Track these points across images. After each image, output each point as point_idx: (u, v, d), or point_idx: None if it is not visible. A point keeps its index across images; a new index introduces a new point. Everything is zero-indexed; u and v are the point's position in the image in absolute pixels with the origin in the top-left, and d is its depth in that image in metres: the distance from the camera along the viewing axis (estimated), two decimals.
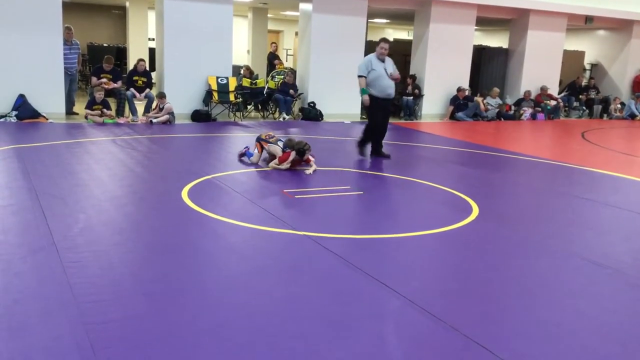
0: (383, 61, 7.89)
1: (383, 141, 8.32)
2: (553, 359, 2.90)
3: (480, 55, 15.17)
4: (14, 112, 9.87)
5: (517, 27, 15.22)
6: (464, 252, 4.49)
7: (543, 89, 15.13)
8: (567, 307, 3.54)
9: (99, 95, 10.32)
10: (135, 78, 11.18)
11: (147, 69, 11.60)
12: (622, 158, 9.71)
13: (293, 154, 6.92)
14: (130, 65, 16.11)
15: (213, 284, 3.64)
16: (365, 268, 3.93)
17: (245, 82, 12.58)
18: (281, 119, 12.12)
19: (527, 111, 14.57)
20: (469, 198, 6.11)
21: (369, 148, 8.26)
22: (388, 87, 7.92)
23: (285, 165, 6.95)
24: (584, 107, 16.34)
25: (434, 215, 5.66)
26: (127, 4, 16.76)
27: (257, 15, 16.95)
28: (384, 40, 7.97)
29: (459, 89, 13.69)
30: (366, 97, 7.89)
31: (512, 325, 3.27)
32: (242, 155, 7.55)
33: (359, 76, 7.90)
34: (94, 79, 11.00)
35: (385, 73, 7.82)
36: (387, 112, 8.26)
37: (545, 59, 15.23)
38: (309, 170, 6.92)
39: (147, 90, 11.23)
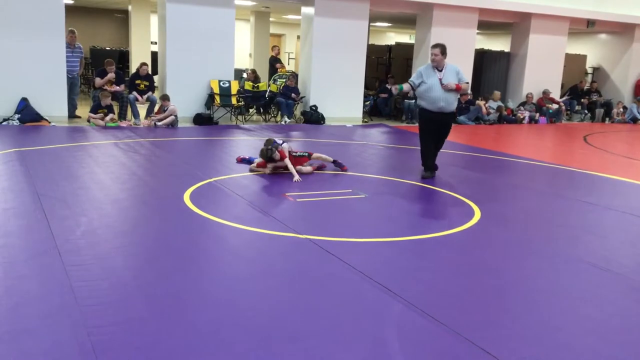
0: (440, 70, 7.06)
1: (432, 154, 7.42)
2: None
3: (482, 58, 15.18)
4: (17, 116, 9.89)
5: (519, 30, 15.23)
6: (466, 256, 4.48)
7: (545, 93, 15.13)
8: (570, 311, 3.53)
9: (106, 101, 10.34)
10: (137, 82, 11.19)
11: (150, 72, 11.61)
12: (624, 161, 9.70)
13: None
14: (133, 68, 16.16)
15: (215, 287, 3.64)
16: (368, 271, 3.92)
17: (248, 86, 12.60)
18: (283, 123, 12.13)
19: (525, 113, 14.58)
20: (471, 201, 6.11)
21: (432, 166, 7.40)
22: (439, 100, 7.01)
23: (264, 170, 6.95)
24: (586, 111, 16.34)
25: (437, 218, 5.66)
26: (130, 7, 16.80)
27: (259, 19, 16.98)
28: (433, 45, 7.17)
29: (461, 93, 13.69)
30: (401, 87, 7.24)
31: (515, 328, 3.26)
32: (242, 160, 7.54)
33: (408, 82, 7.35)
34: (97, 80, 11.02)
35: (438, 84, 6.98)
36: (441, 126, 7.29)
37: (547, 63, 15.23)
38: (295, 178, 6.69)
39: (150, 93, 11.24)
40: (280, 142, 7.08)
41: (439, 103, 7.03)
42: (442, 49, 7.06)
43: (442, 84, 6.97)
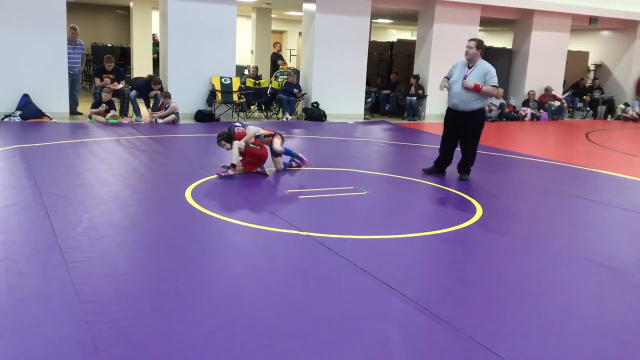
0: (471, 67, 6.80)
1: (464, 165, 7.11)
2: None
3: (484, 55, 15.07)
4: (18, 112, 9.89)
5: (521, 27, 15.19)
6: (468, 253, 4.48)
7: (547, 90, 15.10)
8: (572, 308, 3.53)
9: (106, 97, 10.34)
10: (151, 93, 11.13)
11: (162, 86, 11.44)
12: (626, 159, 9.68)
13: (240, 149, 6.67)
14: (135, 66, 16.14)
15: (216, 283, 3.63)
16: (369, 269, 3.92)
17: (249, 82, 12.59)
18: (284, 119, 12.12)
19: (527, 110, 14.56)
20: (472, 199, 6.10)
21: (445, 165, 7.23)
22: (453, 96, 6.81)
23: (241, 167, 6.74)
24: (588, 108, 16.30)
25: (438, 215, 5.65)
26: (131, 4, 16.77)
27: (260, 15, 16.95)
28: (470, 39, 6.85)
29: None
30: (443, 83, 6.97)
31: (516, 326, 3.25)
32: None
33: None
34: (97, 81, 11.02)
35: (460, 80, 6.75)
36: (459, 126, 6.93)
37: (549, 60, 15.19)
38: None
39: (158, 92, 11.18)
40: (239, 125, 6.85)
41: (452, 99, 6.89)
42: (478, 43, 6.77)
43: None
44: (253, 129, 6.74)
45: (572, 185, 7.19)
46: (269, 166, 6.92)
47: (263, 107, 12.91)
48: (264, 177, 6.62)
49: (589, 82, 17.07)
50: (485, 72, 6.75)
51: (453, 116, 6.99)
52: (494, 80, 6.76)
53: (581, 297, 3.71)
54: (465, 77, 6.75)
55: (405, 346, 2.94)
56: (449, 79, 6.99)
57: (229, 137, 6.69)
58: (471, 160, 7.09)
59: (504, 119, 14.16)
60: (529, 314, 3.41)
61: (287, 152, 7.08)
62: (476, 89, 6.69)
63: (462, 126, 6.97)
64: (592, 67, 17.94)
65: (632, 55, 16.60)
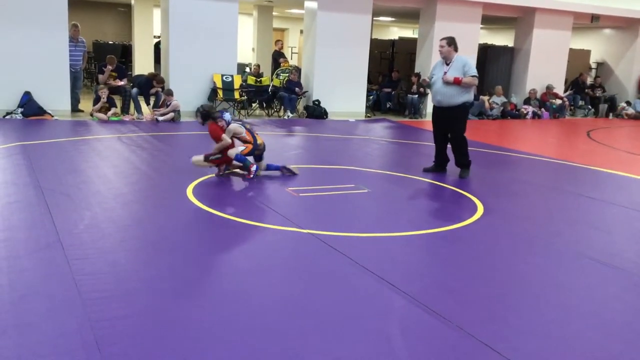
0: (448, 63, 6.94)
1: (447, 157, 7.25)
2: (559, 359, 2.90)
3: (486, 53, 15.11)
4: (20, 109, 9.90)
5: (522, 25, 15.16)
6: (469, 251, 4.48)
7: (549, 88, 15.08)
8: (573, 307, 3.53)
9: (103, 93, 10.33)
10: (152, 90, 11.11)
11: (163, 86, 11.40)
12: (627, 157, 9.67)
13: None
14: (136, 63, 16.14)
15: (217, 281, 3.64)
16: (370, 266, 3.92)
17: (250, 80, 12.59)
18: (286, 117, 12.12)
19: (528, 109, 14.56)
20: (474, 196, 6.10)
21: (443, 162, 7.31)
22: (437, 93, 6.99)
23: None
24: (590, 106, 16.28)
25: (439, 213, 5.66)
26: (133, 1, 16.76)
27: (262, 13, 16.93)
28: (441, 39, 7.08)
29: None
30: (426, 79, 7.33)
31: (518, 324, 3.26)
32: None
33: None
34: (101, 77, 11.03)
35: (441, 77, 6.91)
36: (444, 120, 7.07)
37: (551, 58, 15.17)
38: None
39: (159, 89, 11.18)
40: (229, 118, 6.50)
41: (436, 96, 7.04)
42: (449, 41, 6.97)
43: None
44: (227, 139, 6.39)
45: (573, 183, 7.18)
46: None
47: (264, 105, 12.91)
48: (260, 175, 6.62)
49: (589, 79, 17.04)
50: (462, 64, 6.88)
51: (439, 113, 7.13)
52: (473, 71, 6.88)
53: (582, 295, 3.71)
54: (445, 74, 6.89)
55: (407, 344, 2.95)
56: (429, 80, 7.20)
57: (207, 116, 6.45)
58: (464, 153, 7.13)
59: (509, 117, 14.14)
60: (530, 313, 3.42)
61: (270, 167, 6.69)
62: (456, 82, 6.80)
63: (448, 122, 7.08)
64: (593, 65, 17.91)
65: (634, 54, 16.58)
